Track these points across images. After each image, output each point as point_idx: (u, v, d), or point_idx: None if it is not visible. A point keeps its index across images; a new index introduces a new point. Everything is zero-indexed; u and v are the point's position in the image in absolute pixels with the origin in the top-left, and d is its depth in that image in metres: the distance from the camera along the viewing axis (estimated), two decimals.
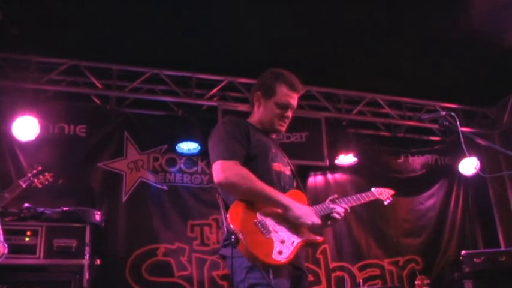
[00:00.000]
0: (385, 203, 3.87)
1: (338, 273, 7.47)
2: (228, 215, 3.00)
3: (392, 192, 3.96)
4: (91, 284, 5.43)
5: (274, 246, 2.95)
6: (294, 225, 3.13)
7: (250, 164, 3.22)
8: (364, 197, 3.71)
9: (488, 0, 6.09)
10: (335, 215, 3.29)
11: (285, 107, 3.49)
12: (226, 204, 3.16)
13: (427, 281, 6.46)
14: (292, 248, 3.01)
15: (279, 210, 3.12)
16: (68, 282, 5.24)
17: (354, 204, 3.55)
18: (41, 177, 5.42)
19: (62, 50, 6.63)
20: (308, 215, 3.16)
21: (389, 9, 6.17)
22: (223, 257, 3.23)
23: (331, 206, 3.33)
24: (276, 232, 3.03)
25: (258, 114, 3.57)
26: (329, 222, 3.33)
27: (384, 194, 3.89)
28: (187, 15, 6.15)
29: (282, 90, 3.47)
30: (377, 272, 7.68)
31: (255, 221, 3.02)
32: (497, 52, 7.03)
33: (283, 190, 3.30)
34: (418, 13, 6.28)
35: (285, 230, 3.08)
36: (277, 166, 3.38)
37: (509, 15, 6.38)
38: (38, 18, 6.01)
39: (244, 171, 3.12)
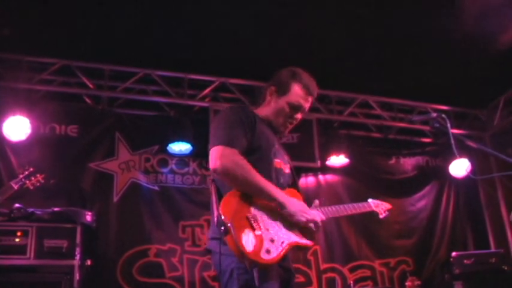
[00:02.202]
0: (380, 216, 3.86)
1: (329, 274, 7.48)
2: (220, 205, 2.90)
3: (389, 206, 3.96)
4: (82, 285, 5.40)
5: (264, 244, 2.83)
6: (287, 225, 3.04)
7: (252, 156, 3.11)
8: (360, 207, 3.68)
9: (480, 2, 6.12)
10: (310, 225, 3.11)
11: (296, 108, 3.42)
12: (220, 193, 3.06)
13: (417, 282, 6.48)
14: (281, 248, 2.90)
15: (274, 206, 3.03)
16: (59, 283, 5.21)
17: (342, 214, 3.50)
18: (33, 178, 5.43)
19: (54, 49, 6.61)
20: (303, 212, 3.07)
21: (381, 11, 6.19)
22: (209, 251, 3.14)
23: None
24: (267, 230, 2.92)
25: (268, 109, 3.48)
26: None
27: (380, 207, 3.88)
28: (179, 16, 6.14)
29: (296, 90, 3.41)
30: (368, 273, 7.69)
31: (248, 215, 2.92)
32: (489, 54, 7.06)
33: (281, 188, 3.20)
34: (409, 15, 6.30)
35: (276, 228, 2.98)
36: (278, 163, 3.31)
37: (501, 18, 6.42)
38: (30, 17, 5.99)
39: (243, 161, 3.00)
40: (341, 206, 3.50)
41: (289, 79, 3.45)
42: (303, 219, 3.05)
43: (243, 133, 3.12)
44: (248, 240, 2.79)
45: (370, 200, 3.86)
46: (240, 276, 2.86)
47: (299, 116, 3.48)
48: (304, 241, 3.10)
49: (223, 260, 2.92)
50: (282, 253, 2.89)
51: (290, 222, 3.06)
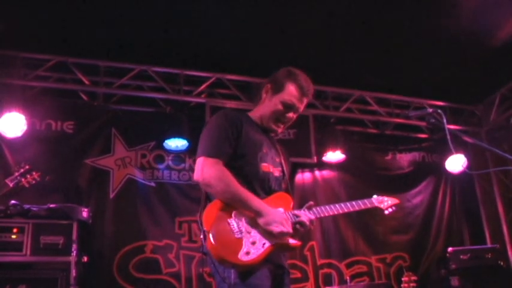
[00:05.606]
0: (386, 212, 3.75)
1: (326, 270, 7.50)
2: (203, 213, 3.04)
3: (395, 202, 3.82)
4: (78, 281, 5.40)
5: (243, 247, 2.93)
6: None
7: (238, 162, 3.19)
8: (361, 205, 3.57)
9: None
10: (297, 226, 3.14)
11: (289, 107, 3.41)
12: (208, 197, 3.19)
13: (414, 278, 6.47)
14: (262, 250, 2.97)
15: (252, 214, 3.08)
16: (55, 279, 5.22)
17: (339, 212, 3.41)
18: (29, 176, 5.43)
19: (50, 46, 6.59)
20: (278, 222, 3.03)
21: (378, 8, 6.19)
22: (205, 253, 3.16)
23: (297, 213, 3.20)
24: (249, 233, 3.01)
25: (262, 108, 3.50)
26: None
27: (385, 203, 3.75)
28: (175, 12, 6.13)
29: (291, 89, 3.40)
30: (364, 268, 7.71)
31: (229, 220, 3.01)
32: (485, 50, 7.07)
33: (270, 192, 3.27)
34: (406, 11, 6.29)
35: (258, 231, 3.04)
36: (265, 167, 3.31)
37: (497, 14, 6.42)
38: (25, 13, 5.97)
39: (223, 173, 3.08)
40: (337, 205, 3.42)
41: (284, 78, 3.45)
42: (277, 230, 3.01)
43: (227, 142, 3.19)
44: (227, 244, 2.93)
45: (374, 196, 3.77)
46: (226, 278, 2.95)
47: (291, 115, 3.47)
48: (287, 241, 3.11)
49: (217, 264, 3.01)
50: (263, 254, 2.97)
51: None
